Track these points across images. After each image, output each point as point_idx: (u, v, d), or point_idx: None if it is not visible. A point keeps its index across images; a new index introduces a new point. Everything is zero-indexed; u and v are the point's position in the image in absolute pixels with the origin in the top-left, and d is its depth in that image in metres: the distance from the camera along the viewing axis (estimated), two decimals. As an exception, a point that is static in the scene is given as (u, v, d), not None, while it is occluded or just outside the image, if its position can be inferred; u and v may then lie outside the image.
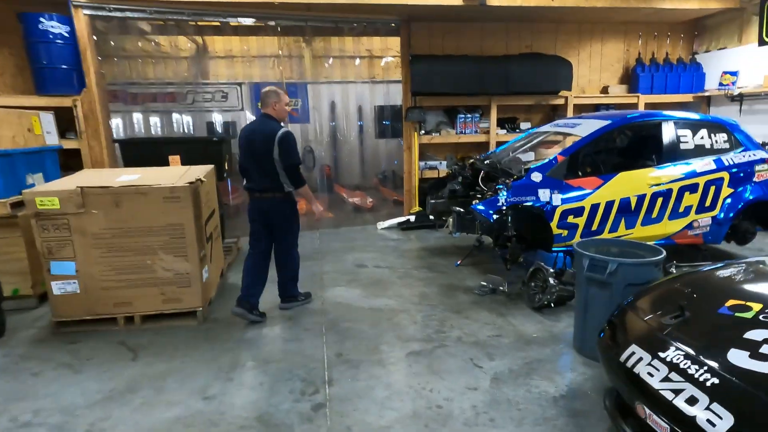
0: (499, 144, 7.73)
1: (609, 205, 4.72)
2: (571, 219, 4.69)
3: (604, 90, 8.23)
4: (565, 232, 4.72)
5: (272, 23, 7.12)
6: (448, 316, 4.23)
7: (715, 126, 5.07)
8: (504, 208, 4.53)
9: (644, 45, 8.22)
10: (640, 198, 4.76)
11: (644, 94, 7.92)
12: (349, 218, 8.08)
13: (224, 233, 6.02)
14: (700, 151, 4.96)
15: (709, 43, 8.11)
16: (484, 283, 4.84)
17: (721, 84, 7.66)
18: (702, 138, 4.98)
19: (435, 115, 7.90)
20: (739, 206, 4.93)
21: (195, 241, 3.91)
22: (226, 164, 5.89)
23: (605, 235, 4.80)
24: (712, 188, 4.89)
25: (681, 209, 4.87)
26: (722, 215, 4.93)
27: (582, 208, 4.69)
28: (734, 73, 7.46)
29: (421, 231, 7.26)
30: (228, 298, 4.58)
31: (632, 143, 5.45)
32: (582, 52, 8.12)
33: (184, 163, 5.19)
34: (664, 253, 3.29)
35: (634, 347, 2.35)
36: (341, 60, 8.39)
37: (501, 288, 4.73)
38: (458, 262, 5.60)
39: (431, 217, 7.38)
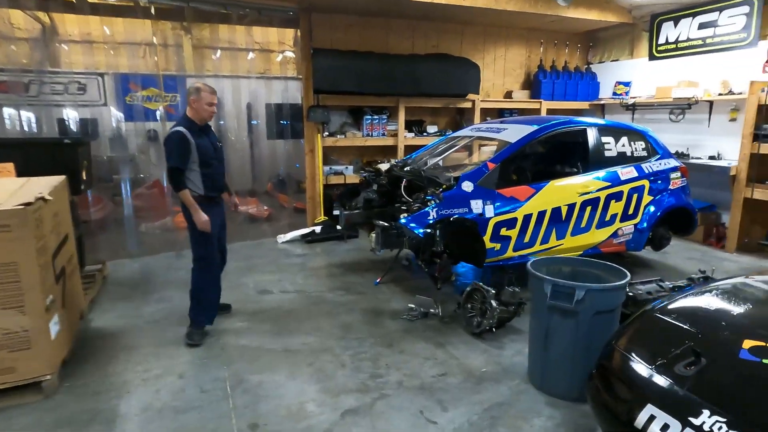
0: (407, 148, 7.27)
1: (541, 215, 4.39)
2: (504, 231, 4.28)
3: (508, 95, 8.17)
4: (497, 246, 4.29)
5: (143, 3, 5.90)
6: (380, 352, 3.54)
7: (635, 134, 5.01)
8: (434, 221, 3.98)
9: (545, 52, 8.30)
10: (571, 207, 4.51)
11: (546, 100, 7.97)
12: (242, 231, 7.04)
13: (84, 260, 4.75)
14: (622, 159, 4.85)
15: (602, 54, 8.42)
16: (413, 306, 4.24)
17: (615, 93, 7.96)
18: (623, 145, 4.89)
19: (339, 116, 7.20)
20: (659, 213, 4.91)
21: (37, 285, 2.77)
22: (84, 173, 4.61)
23: (536, 247, 4.48)
24: (635, 196, 4.81)
25: (607, 217, 4.71)
26: (644, 223, 4.88)
27: (515, 220, 4.30)
28: (627, 84, 7.78)
29: (328, 243, 6.51)
30: (92, 351, 3.46)
31: (559, 150, 5.24)
32: (487, 56, 7.97)
33: (21, 173, 3.82)
34: (628, 275, 2.93)
35: (653, 409, 1.86)
36: (231, 53, 7.34)
37: (432, 311, 4.17)
38: (378, 280, 4.95)
39: (339, 228, 6.68)
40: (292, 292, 4.74)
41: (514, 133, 4.59)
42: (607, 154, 4.79)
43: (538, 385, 3.08)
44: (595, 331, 2.82)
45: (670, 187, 5.01)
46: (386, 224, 4.23)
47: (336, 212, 6.93)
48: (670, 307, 2.42)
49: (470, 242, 4.23)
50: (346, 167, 7.06)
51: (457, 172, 4.67)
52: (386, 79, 6.79)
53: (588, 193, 4.56)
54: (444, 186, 4.18)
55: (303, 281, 5.05)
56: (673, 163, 5.10)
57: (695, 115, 6.85)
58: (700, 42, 6.72)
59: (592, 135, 4.76)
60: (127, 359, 3.43)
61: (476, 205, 4.14)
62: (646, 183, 4.85)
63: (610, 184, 4.67)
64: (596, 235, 4.72)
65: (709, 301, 2.42)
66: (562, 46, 8.37)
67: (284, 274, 5.25)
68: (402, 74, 6.86)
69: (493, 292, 3.73)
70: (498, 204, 4.21)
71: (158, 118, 6.92)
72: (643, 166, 4.90)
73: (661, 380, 1.96)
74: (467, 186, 4.18)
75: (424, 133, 7.49)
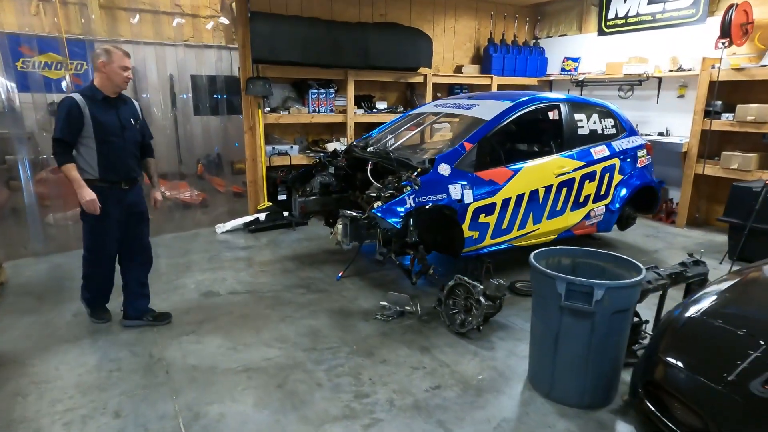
0: (357, 126, 6.72)
1: (519, 199, 4.07)
2: (482, 218, 3.91)
3: (458, 69, 7.79)
4: (476, 234, 3.92)
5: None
6: (359, 363, 3.06)
7: (603, 110, 4.80)
8: (411, 210, 3.52)
9: (495, 26, 7.98)
10: (548, 189, 4.23)
11: (497, 75, 7.69)
12: (173, 220, 6.21)
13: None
14: (594, 137, 4.64)
15: (549, 29, 8.24)
16: (386, 304, 3.79)
17: (563, 69, 7.83)
18: (594, 123, 4.67)
19: (281, 90, 6.47)
20: (629, 193, 4.76)
21: None
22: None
23: (514, 233, 4.17)
24: (607, 176, 4.62)
25: (581, 199, 4.49)
26: (616, 203, 4.72)
27: (493, 205, 3.94)
28: (576, 59, 7.66)
29: (275, 232, 5.87)
30: (-12, 388, 2.69)
31: (533, 128, 4.93)
32: (436, 27, 7.51)
33: None
34: (642, 267, 2.64)
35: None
36: (153, 16, 6.35)
37: (409, 309, 3.74)
38: (340, 275, 4.44)
39: (290, 215, 6.05)
40: (243, 293, 4.11)
41: (487, 109, 4.20)
42: (580, 132, 4.55)
43: (546, 393, 2.75)
44: (612, 332, 2.52)
45: (638, 165, 4.88)
46: (355, 214, 3.71)
47: (282, 197, 6.34)
48: (709, 306, 2.14)
49: (446, 231, 3.82)
50: (291, 147, 6.39)
51: (428, 153, 4.22)
52: (334, 50, 6.15)
53: (564, 173, 4.30)
54: (419, 170, 3.71)
55: (253, 279, 4.42)
56: (639, 140, 4.97)
57: (644, 92, 6.85)
58: (649, 17, 6.67)
59: (565, 111, 4.48)
60: (39, 396, 2.70)
61: (455, 191, 3.72)
62: (617, 162, 4.67)
63: (584, 163, 4.43)
64: (570, 218, 4.49)
65: (752, 294, 2.16)
66: (510, 20, 8.09)
67: (229, 271, 4.59)
68: (351, 44, 6.25)
69: (481, 287, 3.35)
70: (477, 188, 3.82)
71: (64, 88, 5.86)
72: (614, 144, 4.71)
73: (737, 402, 1.64)
74: (444, 169, 3.74)
75: (374, 110, 6.95)
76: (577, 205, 4.48)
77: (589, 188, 4.50)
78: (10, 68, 5.96)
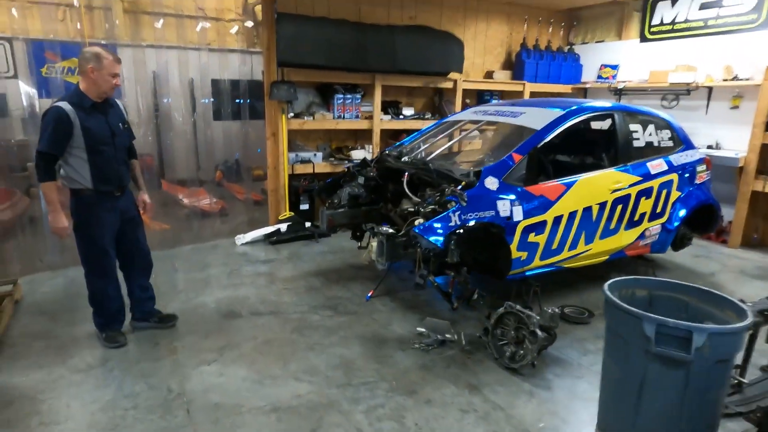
0: (383, 133, 6.39)
1: (572, 216, 3.69)
2: (532, 237, 3.53)
3: (488, 75, 7.43)
4: (524, 255, 3.55)
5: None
6: (401, 404, 2.70)
7: (660, 121, 4.40)
8: (456, 228, 3.15)
9: (528, 30, 7.62)
10: (602, 206, 3.84)
11: (530, 81, 7.31)
12: (191, 230, 5.92)
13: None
14: (650, 150, 4.24)
15: (585, 34, 7.86)
16: (423, 331, 3.43)
17: (600, 77, 7.43)
18: (650, 135, 4.27)
19: (305, 95, 6.16)
20: (687, 211, 4.35)
21: None
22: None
23: (564, 253, 3.78)
24: (664, 192, 4.22)
25: (636, 217, 4.09)
26: (674, 222, 4.31)
27: (544, 223, 3.56)
28: (614, 67, 7.26)
29: (296, 244, 5.54)
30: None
31: (585, 139, 4.54)
32: (467, 32, 7.16)
33: None
34: (746, 308, 2.24)
35: None
36: (177, 20, 6.11)
37: (449, 336, 3.37)
38: (369, 295, 4.08)
39: (314, 225, 5.73)
40: (266, 314, 3.77)
41: (535, 118, 3.83)
42: (635, 144, 4.16)
43: (623, 450, 2.35)
44: (711, 385, 2.13)
45: (697, 181, 4.47)
46: (391, 231, 3.35)
47: (304, 207, 6.02)
48: None
49: (491, 250, 3.46)
50: (315, 154, 6.06)
51: (470, 165, 3.86)
52: (361, 53, 5.84)
53: (620, 189, 3.91)
54: (463, 183, 3.35)
55: (276, 298, 4.08)
56: (698, 155, 4.56)
57: (691, 102, 6.42)
58: (701, 24, 6.25)
59: (619, 121, 4.09)
60: (45, 439, 2.38)
61: (503, 207, 3.35)
62: (675, 177, 4.27)
63: (641, 178, 4.04)
64: (624, 238, 4.09)
65: None
66: (545, 25, 7.73)
67: (251, 288, 4.26)
68: (379, 47, 5.93)
69: (537, 317, 2.97)
70: (527, 204, 3.45)
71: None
72: (671, 158, 4.30)
73: None
74: (491, 183, 3.38)
75: (401, 116, 6.62)
76: (632, 223, 4.08)
77: (645, 205, 4.10)
78: (34, 74, 5.76)
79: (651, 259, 4.33)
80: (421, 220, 3.16)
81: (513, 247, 3.43)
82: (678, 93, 6.48)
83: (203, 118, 6.48)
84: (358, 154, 6.20)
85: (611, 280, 2.47)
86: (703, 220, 4.67)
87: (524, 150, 3.55)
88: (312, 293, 4.19)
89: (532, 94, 7.37)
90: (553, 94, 7.53)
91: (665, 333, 2.09)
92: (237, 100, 6.32)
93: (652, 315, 2.13)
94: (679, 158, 4.35)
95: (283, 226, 5.68)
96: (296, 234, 5.64)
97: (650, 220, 4.19)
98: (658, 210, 4.22)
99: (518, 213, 3.40)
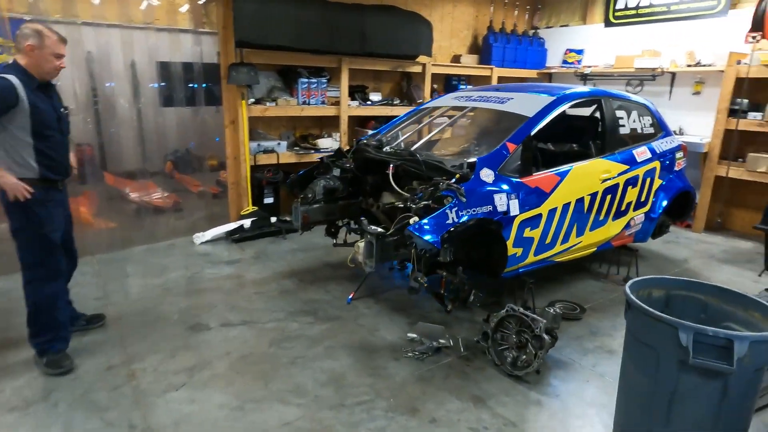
0: (351, 120, 6.04)
1: (565, 208, 3.52)
2: (527, 232, 3.33)
3: (456, 59, 7.19)
4: (519, 251, 3.35)
5: None
6: (405, 426, 2.43)
7: (642, 107, 4.30)
8: (455, 227, 2.89)
9: (494, 13, 7.41)
10: (593, 196, 3.70)
11: (497, 66, 7.13)
12: (142, 228, 5.37)
13: None
14: (635, 137, 4.13)
15: (549, 18, 7.75)
16: (415, 337, 3.17)
17: (565, 62, 7.36)
18: (634, 121, 4.16)
19: (266, 78, 5.69)
20: (669, 199, 4.29)
21: None
22: None
23: (557, 248, 3.62)
24: (648, 180, 4.13)
25: (623, 206, 3.99)
26: (657, 210, 4.25)
27: (539, 216, 3.37)
28: (580, 52, 7.20)
29: (262, 241, 5.13)
30: None
31: (573, 126, 4.37)
32: (434, 13, 6.87)
33: None
34: (775, 304, 2.11)
35: None
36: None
37: (443, 342, 3.13)
38: (350, 297, 3.78)
39: (274, 220, 5.32)
40: (239, 325, 3.39)
41: (525, 104, 3.61)
42: (621, 131, 4.03)
43: (650, 465, 2.19)
44: (749, 394, 1.99)
45: (675, 168, 4.42)
46: (380, 230, 3.04)
47: (269, 200, 5.59)
48: None
49: (486, 248, 3.23)
50: (278, 143, 5.63)
51: (460, 155, 3.61)
52: (328, 33, 5.44)
53: (609, 179, 3.77)
54: (457, 176, 3.08)
55: (247, 304, 3.70)
56: (676, 141, 4.51)
57: (655, 88, 6.45)
58: (664, 8, 6.25)
59: (607, 108, 3.95)
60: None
61: (500, 201, 3.12)
62: (657, 165, 4.19)
63: (628, 167, 3.92)
64: (612, 228, 3.98)
65: None
66: (510, 7, 7.55)
67: (217, 294, 3.85)
68: (347, 28, 5.55)
69: (543, 321, 2.77)
70: (523, 197, 3.24)
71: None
72: (654, 145, 4.22)
73: None
74: (487, 175, 3.13)
75: (368, 102, 6.27)
76: (619, 213, 3.97)
77: (632, 195, 4.00)
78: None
79: (635, 248, 4.25)
80: (415, 219, 2.87)
81: (509, 243, 3.22)
82: (643, 78, 6.48)
83: (151, 104, 5.86)
84: (325, 143, 5.83)
85: (631, 281, 2.29)
86: (679, 206, 4.65)
87: (518, 138, 3.32)
88: (287, 297, 3.83)
89: (500, 80, 7.21)
90: (520, 79, 7.39)
91: (702, 341, 1.92)
92: (190, 85, 5.75)
93: (688, 323, 1.95)
94: (661, 145, 4.28)
95: (247, 222, 5.24)
96: (261, 230, 5.23)
97: (635, 209, 4.10)
98: (642, 198, 4.14)
99: (515, 207, 3.18)
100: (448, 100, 4.28)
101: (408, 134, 4.02)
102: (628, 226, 4.11)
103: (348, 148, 4.05)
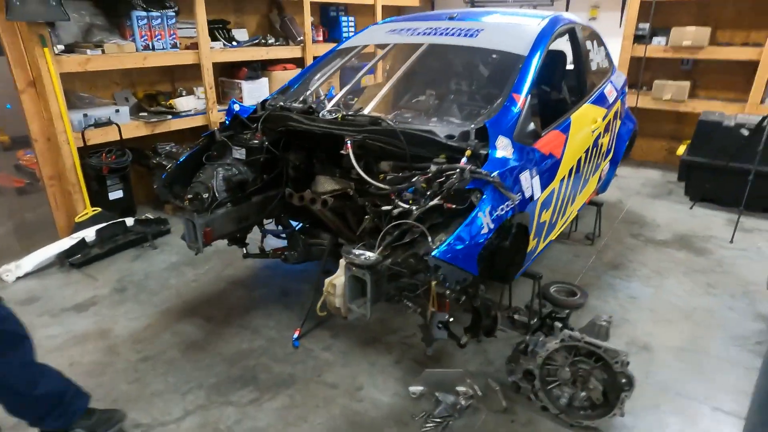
0: (218, 68, 4.47)
1: (569, 175, 2.72)
2: (543, 216, 2.47)
3: (330, -16, 5.80)
4: (534, 242, 2.48)
5: None
6: None
7: (597, 36, 3.60)
8: (491, 237, 1.88)
9: None
10: (587, 153, 2.97)
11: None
12: None
13: None
14: (600, 74, 3.45)
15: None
16: (421, 390, 2.19)
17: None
18: (597, 54, 3.47)
19: (79, 12, 3.76)
20: (627, 140, 3.80)
21: None
22: None
23: (558, 226, 2.85)
24: (615, 124, 3.54)
25: (599, 158, 3.35)
26: (619, 155, 3.75)
27: (552, 193, 2.53)
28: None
29: (121, 259, 3.51)
30: None
31: (557, 66, 3.44)
32: None
33: None
34: None
35: None
36: None
37: (467, 390, 2.18)
38: (296, 336, 2.59)
39: (131, 223, 3.70)
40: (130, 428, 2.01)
41: (506, 36, 2.64)
42: (593, 68, 3.31)
43: None
44: None
45: (626, 106, 3.92)
46: (373, 256, 1.86)
47: (116, 195, 3.89)
48: None
49: (507, 250, 2.29)
50: (116, 110, 3.84)
51: (436, 118, 2.51)
52: (167, -60, 3.69)
53: (597, 128, 3.06)
54: (468, 153, 2.01)
55: (134, 388, 2.28)
56: (623, 75, 3.98)
57: (548, 12, 5.94)
58: None
59: (580, 38, 3.15)
60: None
61: (527, 183, 2.16)
62: (618, 105, 3.61)
63: (606, 110, 3.25)
64: (591, 186, 3.35)
65: None
66: None
67: (74, 375, 2.33)
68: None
69: (624, 352, 1.96)
70: (541, 170, 2.33)
71: None
72: (613, 81, 3.61)
73: None
74: (504, 146, 2.12)
75: (233, 43, 4.68)
76: (596, 166, 3.33)
77: (605, 142, 3.37)
78: None
79: (599, 202, 3.72)
80: (443, 237, 1.76)
81: (531, 235, 2.32)
82: (539, 3, 5.93)
83: None
84: (186, 104, 4.21)
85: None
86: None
87: (523, 87, 2.34)
88: (196, 357, 2.48)
89: (384, 9, 6.07)
90: (412, 8, 6.34)
91: None
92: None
93: None
94: (617, 80, 3.70)
95: (89, 233, 3.52)
96: (115, 242, 3.57)
97: (605, 158, 3.51)
98: (611, 145, 3.56)
99: (537, 186, 2.26)
100: (380, 34, 3.05)
101: (343, 90, 2.74)
102: (600, 179, 3.52)
103: (255, 114, 2.67)
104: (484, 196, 1.85)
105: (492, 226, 1.85)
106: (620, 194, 4.83)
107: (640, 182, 5.19)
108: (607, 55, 3.72)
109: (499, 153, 2.08)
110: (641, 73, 5.25)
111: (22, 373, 1.74)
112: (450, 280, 1.76)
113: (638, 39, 5.21)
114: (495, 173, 1.89)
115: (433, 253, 1.70)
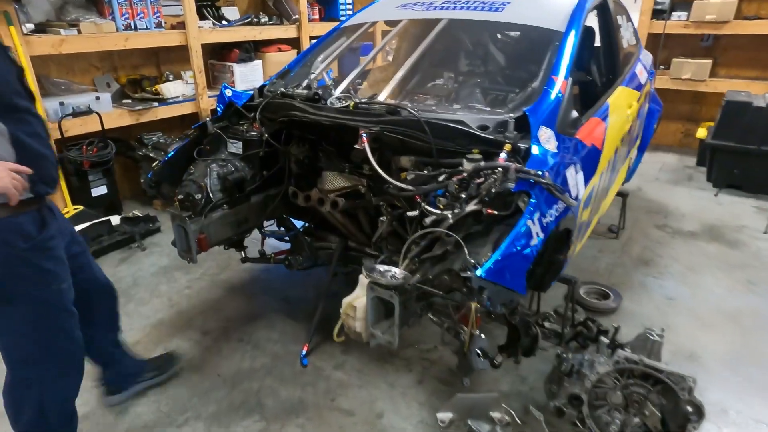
0: (208, 50, 4.11)
1: (608, 166, 2.43)
2: (585, 215, 2.19)
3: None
4: (572, 247, 2.19)
5: None
6: None
7: (626, 10, 3.27)
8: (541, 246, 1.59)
9: None
10: (623, 141, 2.67)
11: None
12: None
13: None
14: (629, 53, 3.14)
15: None
16: (452, 418, 1.92)
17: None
18: (627, 30, 3.15)
19: (48, -13, 3.38)
20: (654, 125, 3.50)
21: None
22: None
23: (592, 225, 2.56)
24: (645, 107, 3.25)
25: (630, 145, 3.05)
26: (646, 142, 3.47)
27: (593, 188, 2.23)
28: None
29: (107, 262, 3.21)
30: None
31: (588, 44, 3.10)
32: None
33: None
34: None
35: None
36: None
37: (504, 418, 1.92)
38: (304, 353, 2.31)
39: (117, 222, 3.38)
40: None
41: (538, 9, 2.32)
42: (624, 45, 3.00)
43: None
44: None
45: (653, 87, 3.62)
46: (400, 274, 1.57)
47: (100, 191, 3.56)
48: None
49: (550, 255, 2.01)
50: (96, 96, 3.49)
51: (462, 105, 2.20)
52: None
53: (631, 113, 2.77)
54: (507, 147, 1.71)
55: (115, 417, 2.00)
56: (649, 54, 3.67)
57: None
58: None
59: (612, 12, 2.83)
60: None
61: (573, 180, 1.87)
62: (649, 86, 3.31)
63: (639, 93, 2.95)
64: (621, 176, 3.06)
65: None
66: None
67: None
68: None
69: (691, 378, 1.70)
70: (584, 164, 2.03)
71: None
72: (643, 60, 3.30)
73: None
74: (547, 139, 1.81)
75: (224, 22, 4.31)
76: (626, 155, 3.04)
77: (635, 127, 3.07)
78: None
79: (625, 193, 3.43)
80: (483, 250, 1.48)
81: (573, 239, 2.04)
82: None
83: None
84: (174, 89, 3.86)
85: None
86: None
87: (559, 68, 2.03)
88: (192, 381, 2.20)
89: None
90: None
91: None
92: None
93: None
94: (646, 59, 3.39)
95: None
96: (100, 244, 3.25)
97: (633, 144, 3.22)
98: (640, 131, 3.27)
99: (581, 183, 1.97)
100: (391, 9, 2.71)
101: (353, 73, 2.40)
102: (628, 167, 3.24)
103: (252, 101, 2.35)
104: (532, 200, 1.55)
105: (542, 235, 1.56)
106: (638, 181, 4.55)
107: (657, 167, 4.92)
108: (635, 32, 3.41)
109: (544, 145, 1.78)
110: (659, 51, 4.93)
111: None
112: (494, 302, 1.48)
113: (657, 14, 4.89)
114: (545, 172, 1.59)
115: (477, 273, 1.41)
